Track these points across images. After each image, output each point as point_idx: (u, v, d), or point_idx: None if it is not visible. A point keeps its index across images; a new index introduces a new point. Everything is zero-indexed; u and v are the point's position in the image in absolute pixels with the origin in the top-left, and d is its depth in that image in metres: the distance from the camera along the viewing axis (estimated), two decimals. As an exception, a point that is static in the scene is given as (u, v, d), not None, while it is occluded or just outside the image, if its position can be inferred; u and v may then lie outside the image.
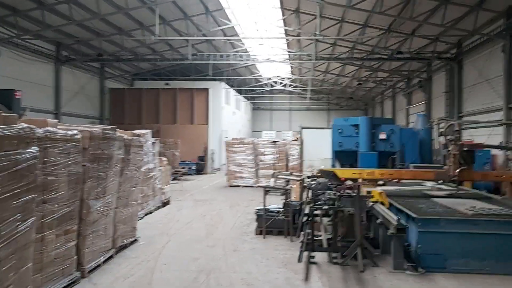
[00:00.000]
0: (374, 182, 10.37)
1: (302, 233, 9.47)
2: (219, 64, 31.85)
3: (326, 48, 27.78)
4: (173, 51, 29.25)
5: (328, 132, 16.98)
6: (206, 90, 31.06)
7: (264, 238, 9.72)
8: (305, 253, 7.87)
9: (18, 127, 4.75)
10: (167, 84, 32.47)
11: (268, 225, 9.89)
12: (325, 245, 8.21)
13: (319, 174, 9.90)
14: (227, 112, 35.87)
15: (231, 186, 21.06)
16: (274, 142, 21.14)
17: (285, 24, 25.31)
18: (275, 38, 25.96)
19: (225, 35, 26.93)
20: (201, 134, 30.36)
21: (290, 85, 43.63)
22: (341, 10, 21.34)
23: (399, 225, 7.10)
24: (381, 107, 42.84)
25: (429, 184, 12.73)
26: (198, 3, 22.07)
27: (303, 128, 18.75)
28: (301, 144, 18.54)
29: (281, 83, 42.70)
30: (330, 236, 8.79)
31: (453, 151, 9.52)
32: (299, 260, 7.46)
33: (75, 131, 6.38)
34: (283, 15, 24.01)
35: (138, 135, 8.83)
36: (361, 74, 33.90)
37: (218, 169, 31.79)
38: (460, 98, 21.94)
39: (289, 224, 9.65)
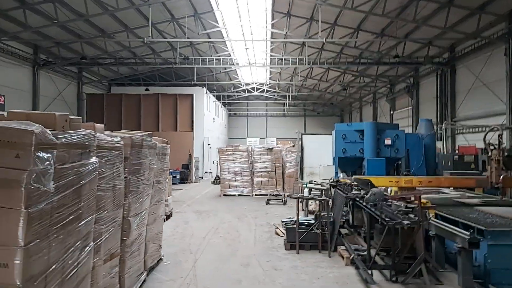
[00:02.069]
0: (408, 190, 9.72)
1: (341, 248, 8.74)
2: (200, 69, 30.88)
3: (313, 53, 27.31)
4: (155, 55, 28.05)
5: (329, 138, 16.35)
6: (191, 95, 29.90)
7: (298, 253, 8.91)
8: (356, 271, 7.14)
9: (83, 133, 3.82)
10: (147, 89, 31.15)
11: (300, 239, 9.11)
12: (379, 261, 7.48)
13: (355, 183, 9.18)
14: (208, 119, 34.79)
15: (225, 195, 20.08)
16: (270, 149, 20.31)
17: (272, 27, 24.63)
18: (263, 41, 25.21)
19: (209, 38, 26.07)
20: (185, 141, 29.07)
21: (268, 91, 42.96)
22: (334, 14, 20.85)
23: (472, 238, 6.43)
24: (359, 113, 42.70)
25: (447, 190, 12.22)
26: (188, 5, 21.13)
27: (303, 134, 18.02)
28: (301, 151, 17.82)
29: (258, 88, 41.90)
30: (376, 250, 8.11)
31: (496, 157, 8.99)
32: (370, 281, 6.66)
33: (118, 138, 5.42)
34: (273, 18, 23.37)
35: (167, 142, 7.88)
36: (345, 79, 33.57)
37: (202, 177, 30.77)
38: (453, 102, 21.80)
39: (327, 237, 8.86)
